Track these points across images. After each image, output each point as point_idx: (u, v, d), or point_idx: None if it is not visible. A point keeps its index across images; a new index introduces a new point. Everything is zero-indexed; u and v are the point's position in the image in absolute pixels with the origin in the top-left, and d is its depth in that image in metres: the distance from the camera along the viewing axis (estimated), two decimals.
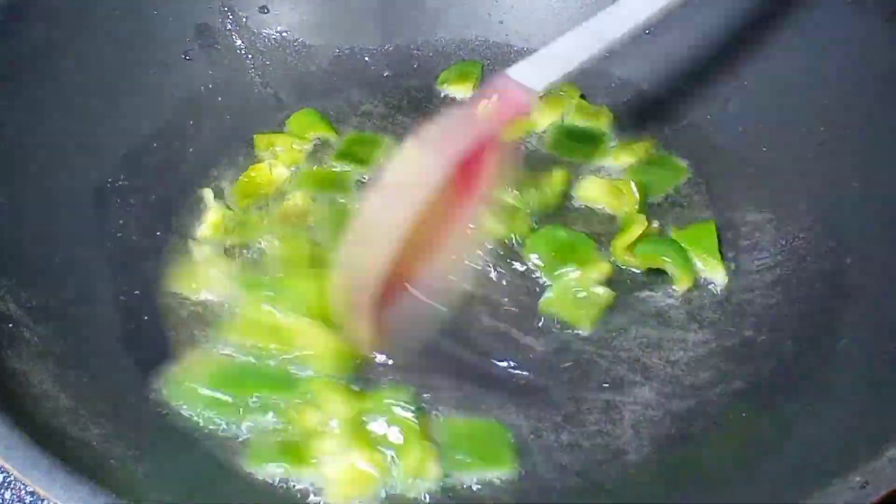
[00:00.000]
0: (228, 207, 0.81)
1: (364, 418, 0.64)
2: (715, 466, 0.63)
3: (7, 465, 0.48)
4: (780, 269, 0.76)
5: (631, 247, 0.77)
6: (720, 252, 0.77)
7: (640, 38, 0.89)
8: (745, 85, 0.86)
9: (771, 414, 0.65)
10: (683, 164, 0.86)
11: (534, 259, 0.77)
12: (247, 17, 0.91)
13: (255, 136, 0.87)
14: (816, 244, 0.74)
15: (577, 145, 0.88)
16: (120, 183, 0.78)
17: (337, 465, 0.63)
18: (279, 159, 0.85)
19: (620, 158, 0.86)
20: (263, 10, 0.92)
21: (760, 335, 0.72)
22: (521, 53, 0.94)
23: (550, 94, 0.90)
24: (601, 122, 0.89)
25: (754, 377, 0.69)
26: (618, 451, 0.66)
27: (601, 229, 0.80)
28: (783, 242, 0.77)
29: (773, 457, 0.59)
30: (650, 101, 0.91)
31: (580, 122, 0.90)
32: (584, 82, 0.92)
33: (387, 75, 0.96)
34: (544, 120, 0.90)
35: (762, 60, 0.84)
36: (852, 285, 0.69)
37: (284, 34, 0.93)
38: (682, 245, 0.77)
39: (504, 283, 0.76)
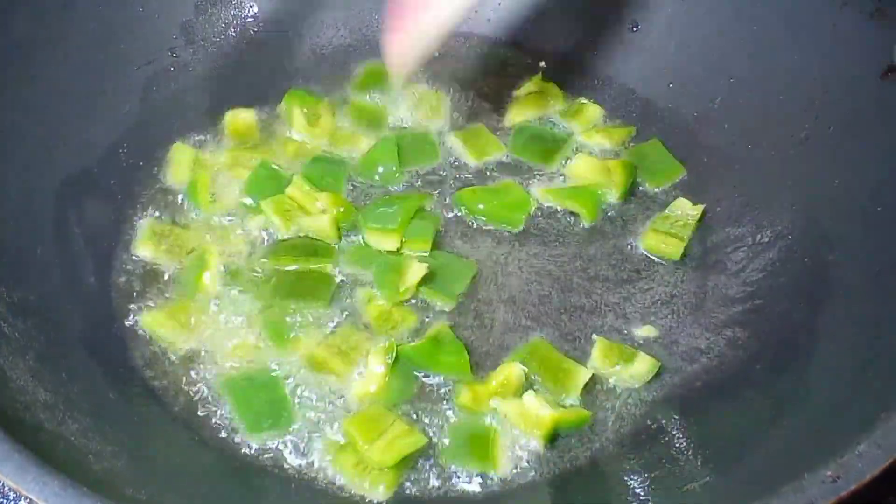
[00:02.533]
0: None
1: None
2: (687, 461, 0.63)
3: None
4: (763, 265, 0.76)
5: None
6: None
7: (626, 35, 0.91)
8: (731, 83, 0.86)
9: (745, 409, 0.65)
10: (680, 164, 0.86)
11: None
12: (232, 14, 0.91)
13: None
14: (800, 240, 0.75)
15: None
16: (101, 178, 0.78)
17: None
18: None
19: (594, 138, 0.87)
20: (248, 6, 0.92)
21: (740, 331, 0.72)
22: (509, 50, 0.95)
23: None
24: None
25: (731, 373, 0.69)
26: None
27: None
28: (767, 239, 0.77)
29: (747, 451, 0.59)
30: (636, 99, 0.91)
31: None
32: (570, 78, 0.92)
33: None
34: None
35: (749, 58, 0.84)
36: (835, 281, 0.69)
37: (269, 31, 0.93)
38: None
39: None
